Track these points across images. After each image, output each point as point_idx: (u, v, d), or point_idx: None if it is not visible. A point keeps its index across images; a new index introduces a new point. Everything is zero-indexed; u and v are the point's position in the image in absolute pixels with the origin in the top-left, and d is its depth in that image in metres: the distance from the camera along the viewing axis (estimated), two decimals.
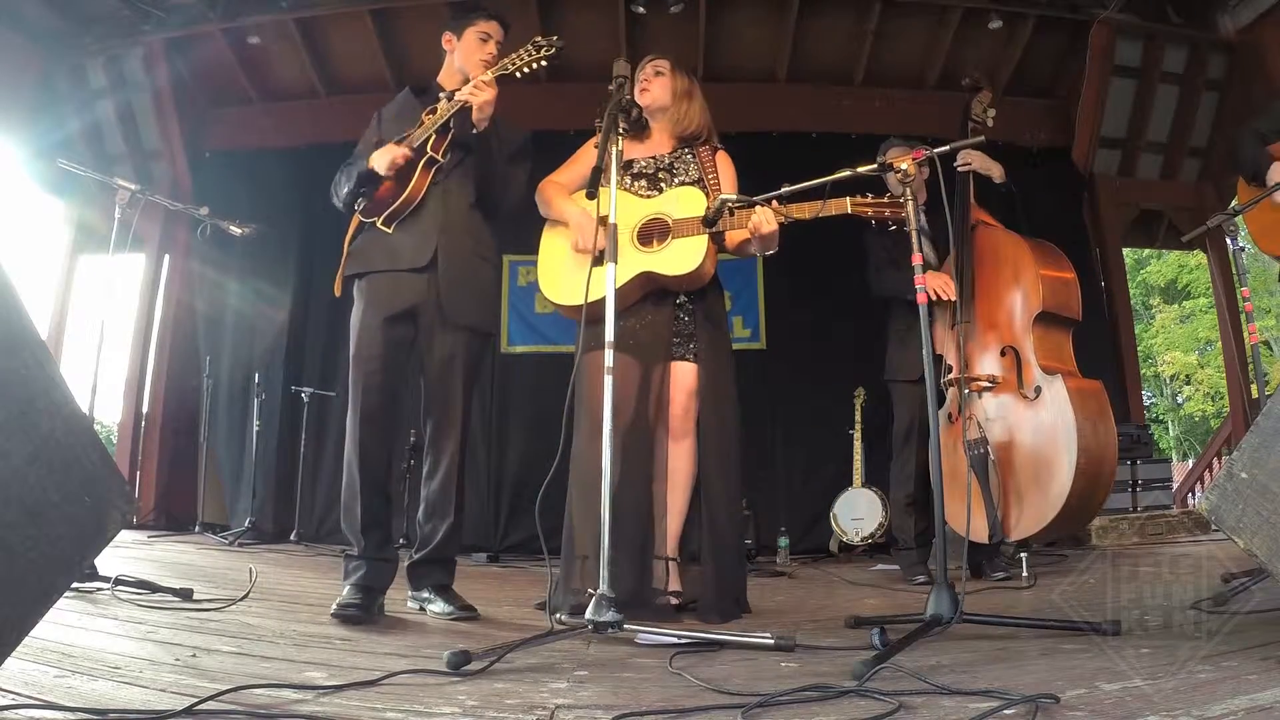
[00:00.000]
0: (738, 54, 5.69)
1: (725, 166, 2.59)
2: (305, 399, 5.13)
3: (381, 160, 2.35)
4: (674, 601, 2.32)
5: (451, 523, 2.35)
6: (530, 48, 2.34)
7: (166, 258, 5.89)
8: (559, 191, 2.58)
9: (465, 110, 2.32)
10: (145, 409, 5.70)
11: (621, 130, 2.06)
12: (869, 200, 2.24)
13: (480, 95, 2.27)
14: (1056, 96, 5.88)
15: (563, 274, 2.51)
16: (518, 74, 2.34)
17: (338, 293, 2.46)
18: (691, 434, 2.44)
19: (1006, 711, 1.16)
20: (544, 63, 2.33)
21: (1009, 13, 5.34)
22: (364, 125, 2.57)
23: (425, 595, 2.38)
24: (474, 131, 2.33)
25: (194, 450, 5.53)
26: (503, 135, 2.44)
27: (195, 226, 3.74)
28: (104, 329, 2.91)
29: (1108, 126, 5.66)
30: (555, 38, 2.35)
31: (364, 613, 2.13)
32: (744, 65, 5.78)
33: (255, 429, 5.16)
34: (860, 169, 2.15)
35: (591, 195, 2.06)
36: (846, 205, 2.23)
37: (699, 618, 2.25)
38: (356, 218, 2.44)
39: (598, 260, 2.38)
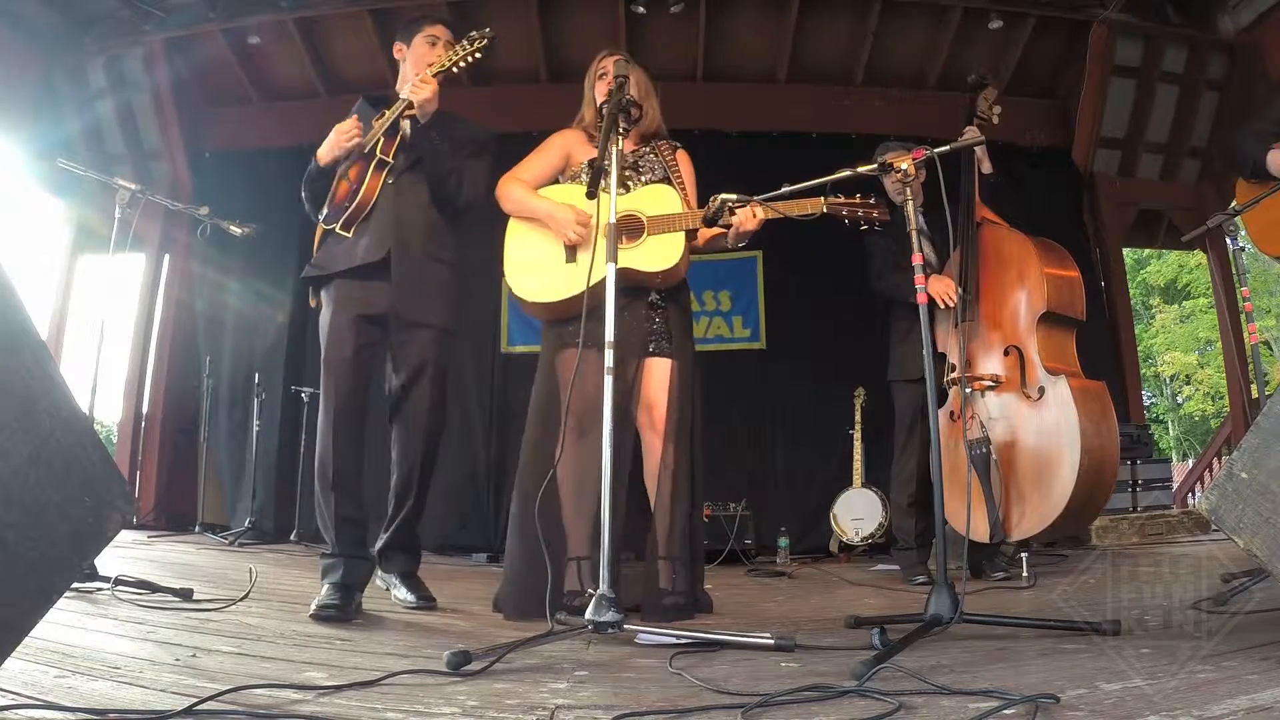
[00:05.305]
0: (738, 54, 5.68)
1: (686, 164, 2.63)
2: (305, 399, 5.11)
3: (325, 145, 2.42)
4: (665, 602, 2.31)
5: (412, 507, 2.45)
6: (465, 43, 2.40)
7: (166, 258, 5.89)
8: (523, 188, 2.56)
9: (413, 111, 2.37)
10: (145, 409, 5.71)
11: (622, 130, 2.06)
12: (842, 200, 2.24)
13: (420, 92, 2.34)
14: (1056, 96, 5.88)
15: (535, 270, 2.47)
16: (454, 69, 2.39)
17: (313, 304, 2.50)
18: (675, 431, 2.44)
19: (1006, 711, 1.16)
20: (479, 55, 2.39)
21: (1009, 13, 5.34)
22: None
23: (392, 579, 2.49)
24: (418, 126, 2.37)
25: (194, 450, 5.53)
26: (461, 132, 2.48)
27: (195, 226, 3.75)
28: (104, 329, 2.91)
29: (1108, 126, 5.66)
30: (487, 29, 2.40)
31: (341, 613, 2.14)
32: (744, 65, 5.77)
33: (255, 429, 5.16)
34: (860, 169, 2.15)
35: (591, 195, 2.07)
36: (821, 205, 2.23)
37: (654, 617, 2.22)
38: (320, 227, 2.49)
39: (571, 257, 2.40)
